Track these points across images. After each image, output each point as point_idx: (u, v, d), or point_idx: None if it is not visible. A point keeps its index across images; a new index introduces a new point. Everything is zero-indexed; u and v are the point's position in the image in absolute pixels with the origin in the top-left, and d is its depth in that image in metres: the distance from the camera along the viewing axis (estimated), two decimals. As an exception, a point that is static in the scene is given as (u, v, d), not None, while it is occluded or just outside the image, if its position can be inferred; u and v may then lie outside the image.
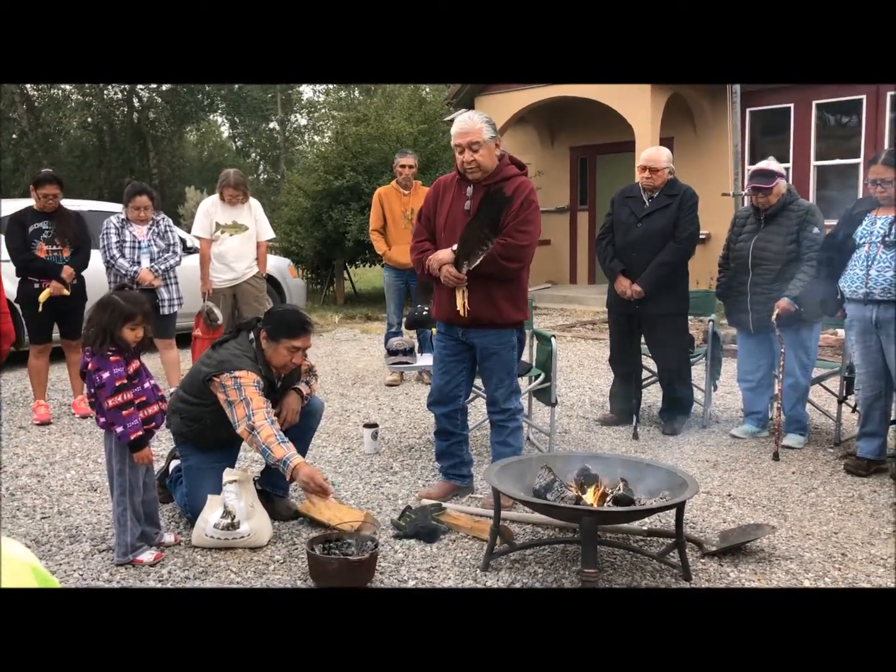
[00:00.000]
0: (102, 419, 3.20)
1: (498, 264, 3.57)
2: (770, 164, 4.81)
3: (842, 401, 4.96)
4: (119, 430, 3.15)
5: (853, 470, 4.31)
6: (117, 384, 3.14)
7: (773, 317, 4.58)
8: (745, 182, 10.54)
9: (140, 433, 3.18)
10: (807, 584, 3.06)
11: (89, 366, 3.18)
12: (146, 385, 3.28)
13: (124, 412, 3.14)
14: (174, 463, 3.87)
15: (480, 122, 3.60)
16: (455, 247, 3.58)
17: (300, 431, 3.68)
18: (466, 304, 3.65)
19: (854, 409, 4.91)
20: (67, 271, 5.38)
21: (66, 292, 5.35)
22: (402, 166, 6.56)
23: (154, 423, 3.30)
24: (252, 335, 3.52)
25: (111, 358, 3.15)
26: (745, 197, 10.06)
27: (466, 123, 3.61)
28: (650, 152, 5.05)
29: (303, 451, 3.73)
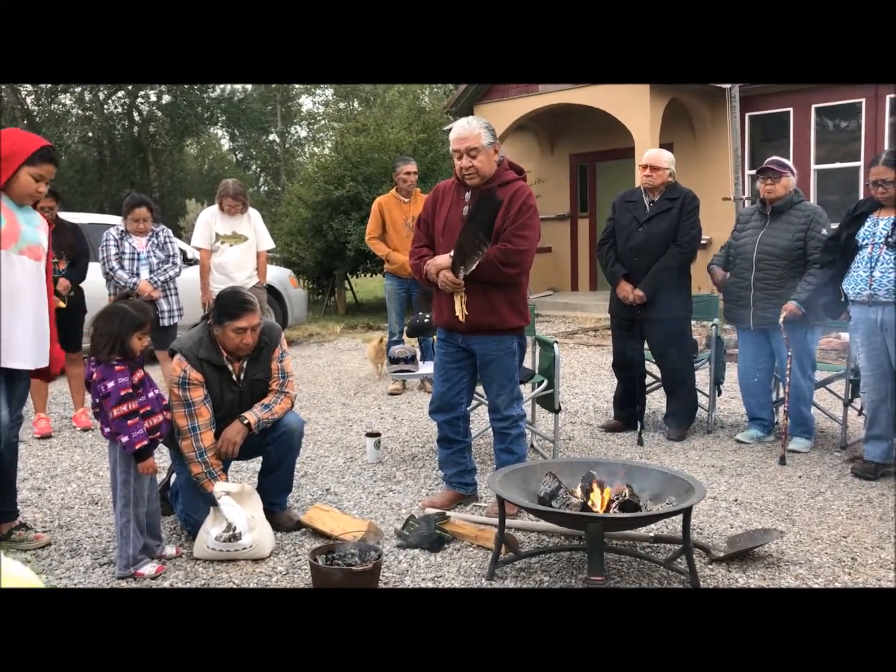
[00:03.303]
0: (107, 429, 3.18)
1: (497, 270, 3.55)
2: (781, 159, 4.92)
3: (847, 404, 4.92)
4: (124, 439, 3.13)
5: (861, 473, 4.27)
6: (122, 394, 3.12)
7: (781, 319, 4.56)
8: (746, 185, 10.57)
9: (145, 443, 3.17)
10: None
11: (94, 376, 3.16)
12: (150, 395, 3.27)
13: (129, 422, 3.13)
14: (175, 476, 3.83)
15: (479, 128, 3.59)
16: (452, 252, 3.57)
17: (279, 454, 3.62)
18: (465, 310, 3.63)
19: (860, 413, 4.88)
20: (63, 283, 5.35)
21: (62, 305, 5.31)
22: (408, 173, 6.52)
23: (159, 433, 3.29)
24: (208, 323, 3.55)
25: (116, 368, 3.14)
26: (746, 201, 10.08)
27: (465, 129, 3.60)
28: (652, 152, 5.18)
29: (287, 473, 3.69)
